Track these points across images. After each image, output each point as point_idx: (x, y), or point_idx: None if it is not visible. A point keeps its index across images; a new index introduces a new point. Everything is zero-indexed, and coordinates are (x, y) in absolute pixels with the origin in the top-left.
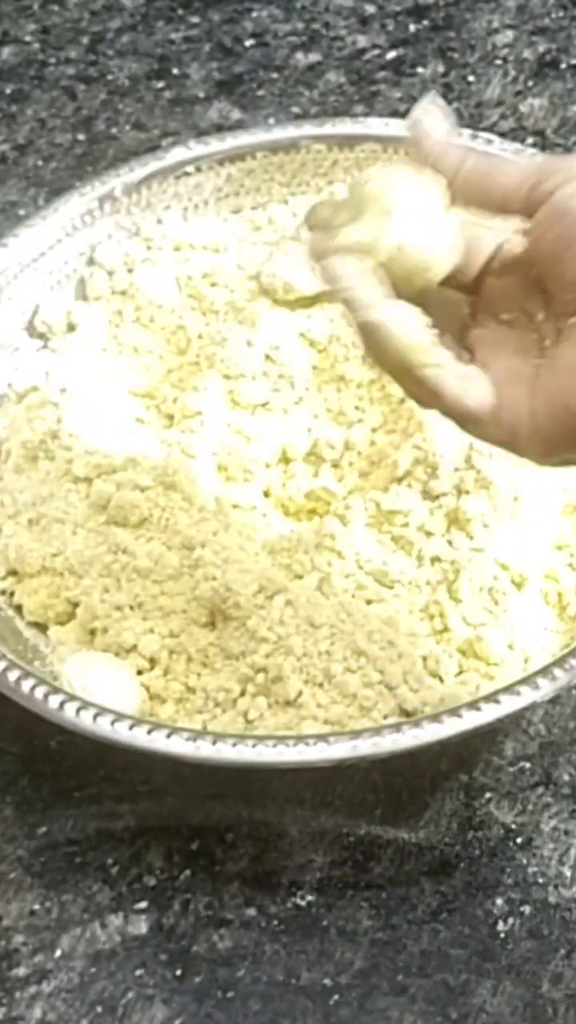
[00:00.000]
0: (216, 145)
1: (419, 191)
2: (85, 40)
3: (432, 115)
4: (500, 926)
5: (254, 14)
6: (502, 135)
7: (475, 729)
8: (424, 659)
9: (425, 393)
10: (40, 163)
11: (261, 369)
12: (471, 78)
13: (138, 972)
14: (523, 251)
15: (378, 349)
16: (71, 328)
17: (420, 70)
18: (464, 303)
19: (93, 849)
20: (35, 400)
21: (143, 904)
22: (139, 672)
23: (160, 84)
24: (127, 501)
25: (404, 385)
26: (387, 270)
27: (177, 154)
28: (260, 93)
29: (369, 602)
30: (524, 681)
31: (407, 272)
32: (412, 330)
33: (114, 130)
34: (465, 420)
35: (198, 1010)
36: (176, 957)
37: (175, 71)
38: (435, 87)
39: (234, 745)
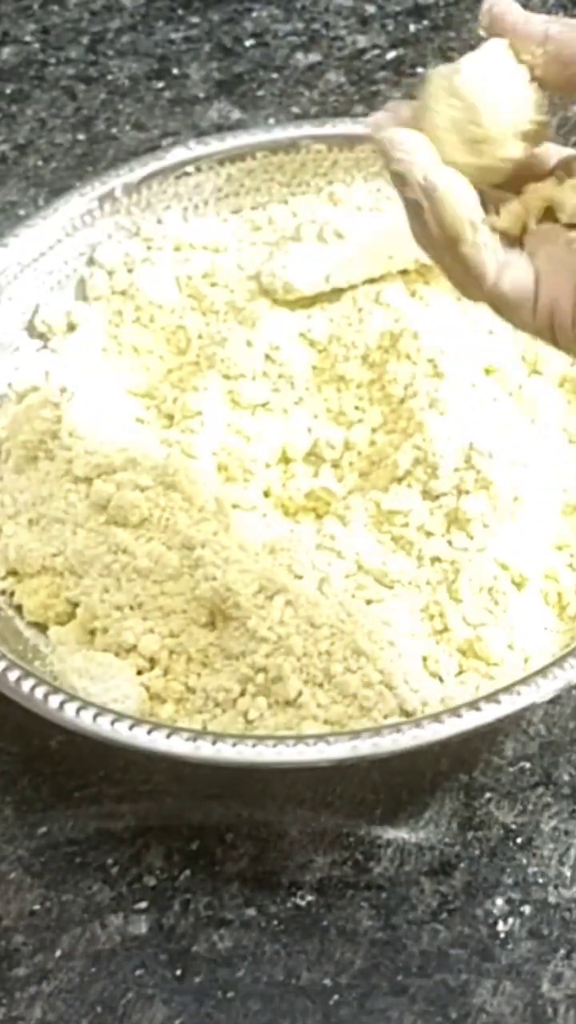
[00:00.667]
0: (216, 145)
1: (497, 60)
2: (85, 40)
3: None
4: (500, 926)
5: (254, 14)
6: None
7: (475, 729)
8: (424, 659)
9: (462, 274)
10: (40, 163)
11: (261, 369)
12: None
13: (138, 972)
14: None
15: (424, 220)
16: (71, 328)
17: (420, 70)
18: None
19: (93, 849)
20: (35, 400)
21: (143, 904)
22: (139, 672)
23: (160, 84)
24: (127, 501)
25: (442, 264)
26: (461, 138)
27: (177, 154)
28: (260, 93)
29: (369, 602)
30: (524, 681)
31: (486, 137)
32: (466, 202)
33: (114, 130)
34: (501, 306)
35: (198, 1010)
36: (176, 957)
37: (175, 71)
38: None
39: (234, 745)
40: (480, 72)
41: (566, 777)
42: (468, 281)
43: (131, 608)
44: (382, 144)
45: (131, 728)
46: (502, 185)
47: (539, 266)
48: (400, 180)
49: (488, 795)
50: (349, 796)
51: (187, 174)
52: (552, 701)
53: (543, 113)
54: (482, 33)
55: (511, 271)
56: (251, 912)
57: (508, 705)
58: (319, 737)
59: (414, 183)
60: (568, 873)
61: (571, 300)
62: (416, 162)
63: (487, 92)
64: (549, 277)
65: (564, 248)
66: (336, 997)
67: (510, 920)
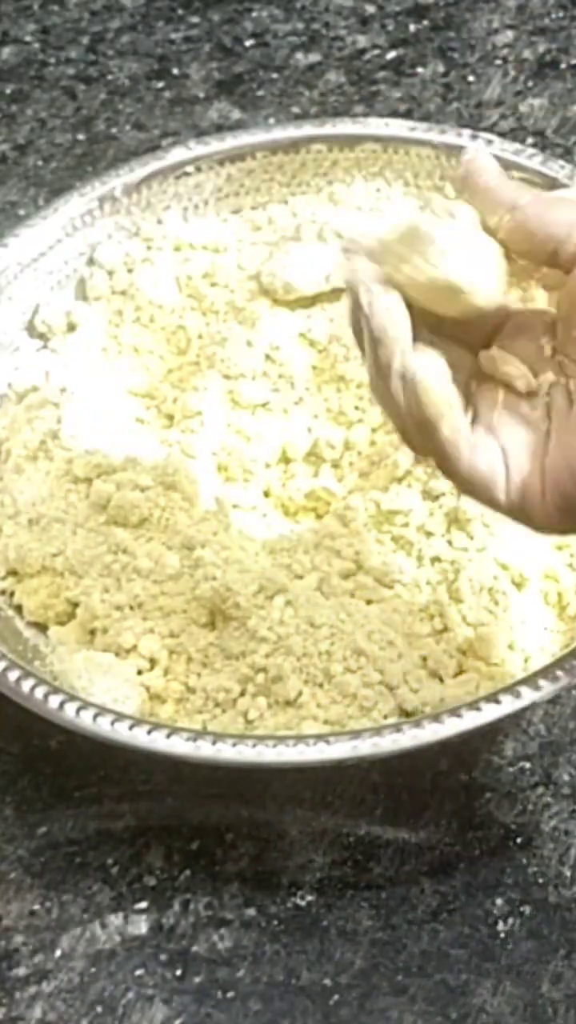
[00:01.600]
0: (216, 145)
1: (460, 222)
2: (85, 40)
3: (485, 155)
4: (500, 926)
5: (254, 14)
6: (502, 135)
7: (475, 729)
8: (424, 659)
9: (439, 453)
10: (40, 163)
11: (261, 369)
12: (471, 78)
13: (138, 972)
14: (549, 309)
15: (393, 395)
16: (71, 328)
17: (420, 70)
18: (470, 358)
19: (93, 849)
20: (35, 400)
21: (143, 904)
22: (139, 672)
23: (160, 84)
24: (127, 501)
25: (407, 433)
26: (420, 293)
27: (177, 154)
28: (260, 93)
29: (369, 602)
30: (524, 681)
31: (442, 293)
32: (444, 386)
33: (114, 130)
34: (475, 485)
35: (198, 1010)
36: (176, 957)
37: (175, 71)
38: (435, 87)
39: (234, 745)
40: (452, 242)
41: (566, 777)
42: (433, 454)
43: (131, 608)
44: (355, 293)
45: (131, 728)
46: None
47: (507, 446)
48: (363, 330)
49: (488, 795)
50: (349, 796)
51: (187, 174)
52: (552, 701)
53: (503, 280)
54: (451, 190)
55: (482, 451)
56: (251, 912)
57: (508, 705)
58: (319, 737)
59: (389, 356)
60: (568, 873)
61: (537, 474)
62: (396, 338)
63: (458, 263)
64: (516, 458)
65: (524, 427)
66: (336, 997)
67: (510, 920)
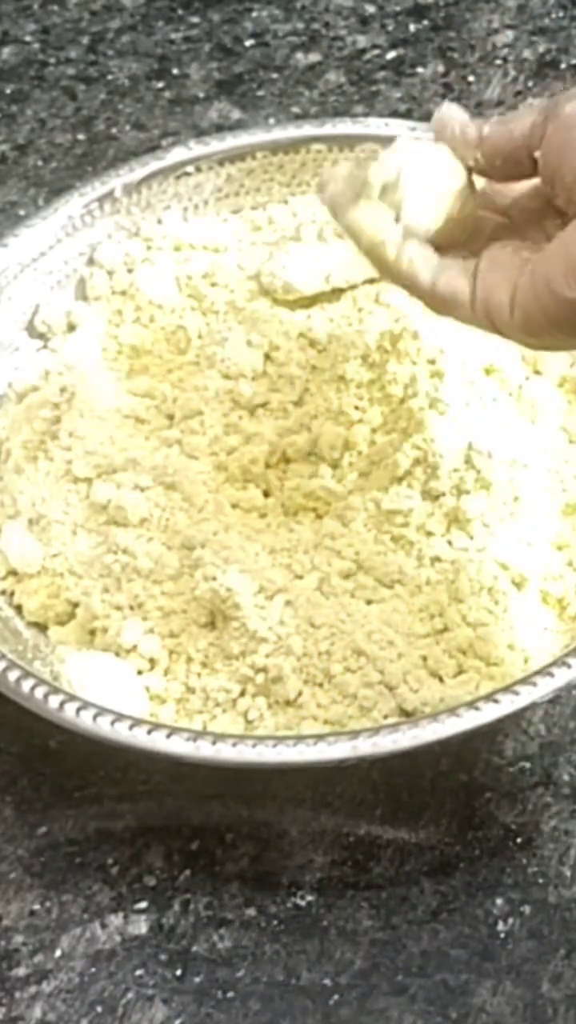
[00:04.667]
0: (216, 145)
1: (431, 162)
2: (85, 40)
3: (455, 108)
4: (500, 926)
5: (254, 14)
6: None
7: (475, 729)
8: (424, 659)
9: (405, 286)
10: (40, 163)
11: (261, 369)
12: (471, 78)
13: (138, 972)
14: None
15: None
16: (71, 328)
17: (420, 70)
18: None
19: (93, 849)
20: (35, 400)
21: (143, 904)
22: (139, 672)
23: (160, 84)
24: (127, 501)
25: (392, 278)
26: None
27: (177, 154)
28: (260, 93)
29: (369, 602)
30: (524, 681)
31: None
32: (379, 229)
33: (114, 130)
34: (438, 304)
35: (198, 1010)
36: (176, 957)
37: (175, 71)
38: (435, 87)
39: (234, 745)
40: (417, 171)
41: (566, 777)
42: (413, 289)
43: (131, 608)
44: (322, 202)
45: (131, 728)
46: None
47: (480, 267)
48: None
49: (488, 795)
50: (349, 796)
51: (187, 174)
52: (552, 701)
53: (470, 206)
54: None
55: (446, 274)
56: (251, 912)
57: (508, 705)
58: (319, 737)
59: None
60: (568, 873)
61: (507, 291)
62: (340, 204)
63: (422, 192)
64: (486, 275)
65: (507, 253)
66: (336, 997)
67: (510, 920)
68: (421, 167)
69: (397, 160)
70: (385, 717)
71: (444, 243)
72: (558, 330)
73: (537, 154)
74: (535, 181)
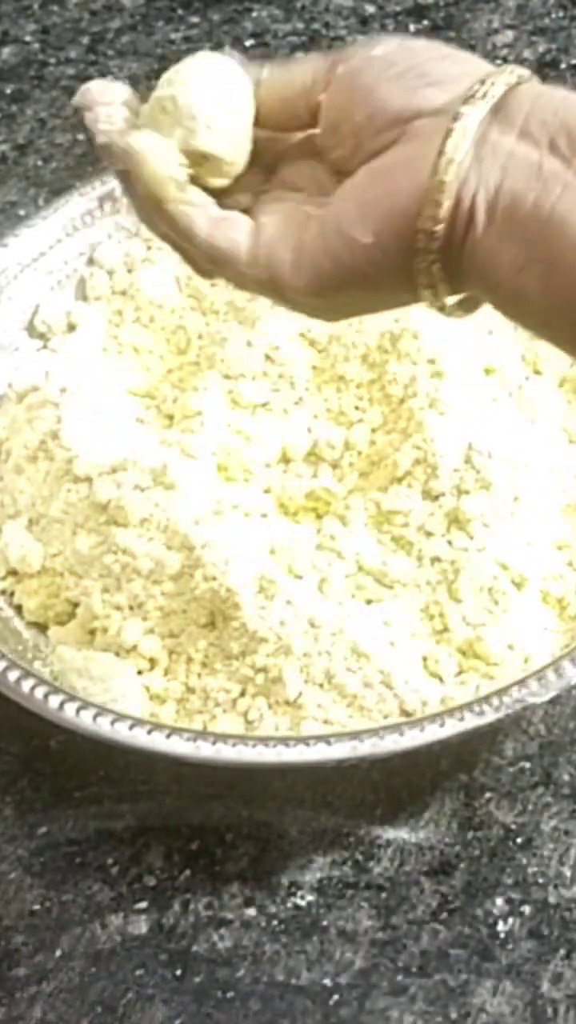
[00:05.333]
0: None
1: (221, 79)
2: (85, 40)
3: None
4: (500, 926)
5: (254, 14)
6: None
7: (475, 729)
8: (424, 659)
9: (178, 233)
10: (40, 163)
11: (261, 369)
12: None
13: (138, 972)
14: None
15: (131, 182)
16: (71, 328)
17: None
18: (260, 179)
19: (93, 849)
20: (35, 400)
21: (143, 904)
22: (139, 672)
23: None
24: (127, 501)
25: (156, 225)
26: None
27: None
28: None
29: (369, 602)
30: (524, 681)
31: (206, 171)
32: (164, 162)
33: None
34: (216, 257)
35: (198, 1010)
36: (176, 957)
37: None
38: None
39: (234, 745)
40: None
41: (566, 777)
42: (182, 239)
43: (131, 608)
44: (87, 122)
45: (131, 728)
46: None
47: (263, 220)
48: (107, 154)
49: (488, 795)
50: (349, 796)
51: None
52: (552, 701)
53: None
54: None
55: (225, 226)
56: (251, 912)
57: (508, 705)
58: (319, 737)
59: (117, 151)
60: (568, 873)
61: (290, 247)
62: (116, 129)
63: (219, 134)
64: (268, 228)
65: (287, 206)
66: (336, 997)
67: (510, 920)
68: (214, 83)
69: (187, 74)
70: (385, 717)
71: (223, 178)
72: (350, 285)
73: (321, 98)
74: (307, 133)
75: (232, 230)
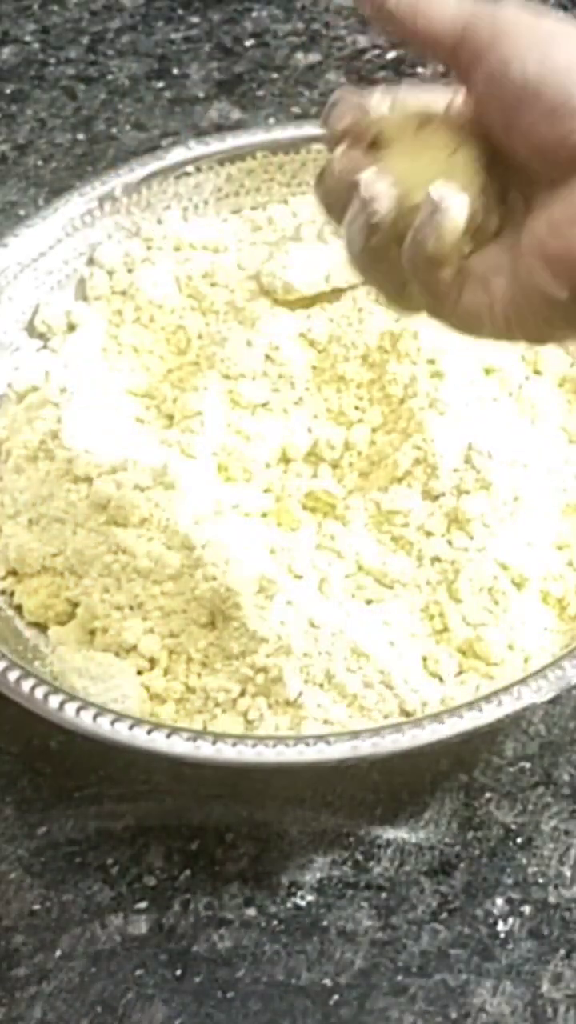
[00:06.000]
0: (216, 145)
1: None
2: (85, 40)
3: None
4: (500, 926)
5: (254, 14)
6: None
7: (475, 729)
8: (424, 659)
9: (425, 293)
10: (40, 163)
11: (261, 369)
12: None
13: (138, 972)
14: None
15: (371, 229)
16: (71, 328)
17: (420, 70)
18: None
19: (93, 849)
20: (35, 400)
21: (143, 904)
22: (139, 672)
23: (160, 84)
24: (127, 501)
25: (398, 286)
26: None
27: (177, 154)
28: (260, 93)
29: (369, 602)
30: (524, 681)
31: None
32: (462, 220)
33: (114, 130)
34: (467, 323)
35: (198, 1010)
36: (176, 957)
37: (175, 71)
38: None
39: (234, 745)
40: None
41: (566, 777)
42: (428, 300)
43: (131, 608)
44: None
45: (131, 728)
46: None
47: (495, 281)
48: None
49: (488, 795)
50: (349, 796)
51: (187, 174)
52: (552, 701)
53: None
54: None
55: (468, 288)
56: (251, 912)
57: (508, 705)
58: (319, 737)
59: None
60: (568, 873)
61: (508, 296)
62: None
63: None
64: (503, 286)
65: (494, 252)
66: (336, 997)
67: (510, 920)
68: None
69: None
70: (385, 717)
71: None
72: (563, 328)
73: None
74: None
75: (474, 294)
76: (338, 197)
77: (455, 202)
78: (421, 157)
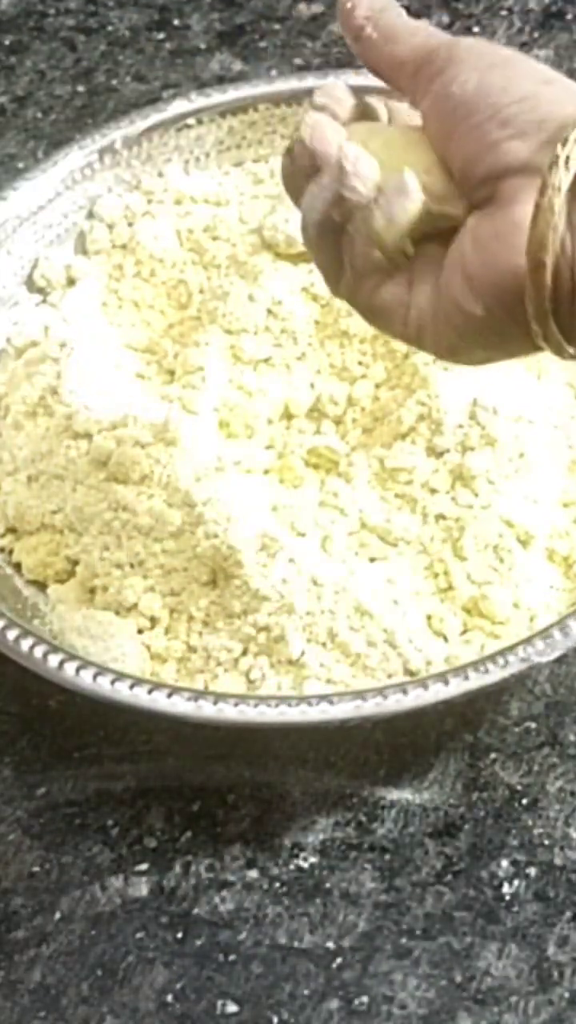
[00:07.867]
0: (218, 97)
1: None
2: None
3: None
4: (505, 888)
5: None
6: None
7: (480, 689)
8: (428, 618)
9: (356, 271)
10: (39, 115)
11: (263, 324)
12: (476, 29)
13: (138, 935)
14: None
15: (333, 205)
16: (71, 282)
17: (424, 20)
18: None
19: (93, 810)
20: (34, 355)
21: (143, 866)
22: (140, 631)
23: (161, 35)
24: (127, 457)
25: (328, 238)
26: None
27: (178, 106)
28: (262, 44)
29: (373, 560)
30: (529, 640)
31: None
32: (414, 210)
33: (114, 82)
34: (376, 314)
35: (199, 973)
36: (177, 920)
37: (176, 22)
38: None
39: (236, 705)
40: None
41: (572, 737)
42: (349, 280)
43: (131, 566)
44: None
45: (132, 688)
46: None
47: (419, 289)
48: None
49: (493, 756)
50: (352, 757)
51: (188, 126)
52: (558, 661)
53: None
54: None
55: (390, 284)
56: (253, 874)
57: (514, 665)
58: (322, 697)
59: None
60: (574, 835)
61: (427, 304)
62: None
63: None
64: (422, 300)
65: (433, 261)
66: (339, 960)
67: (515, 882)
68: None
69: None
70: (389, 677)
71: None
72: (479, 347)
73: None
74: None
75: (399, 290)
76: (305, 162)
77: (415, 190)
78: (395, 144)
